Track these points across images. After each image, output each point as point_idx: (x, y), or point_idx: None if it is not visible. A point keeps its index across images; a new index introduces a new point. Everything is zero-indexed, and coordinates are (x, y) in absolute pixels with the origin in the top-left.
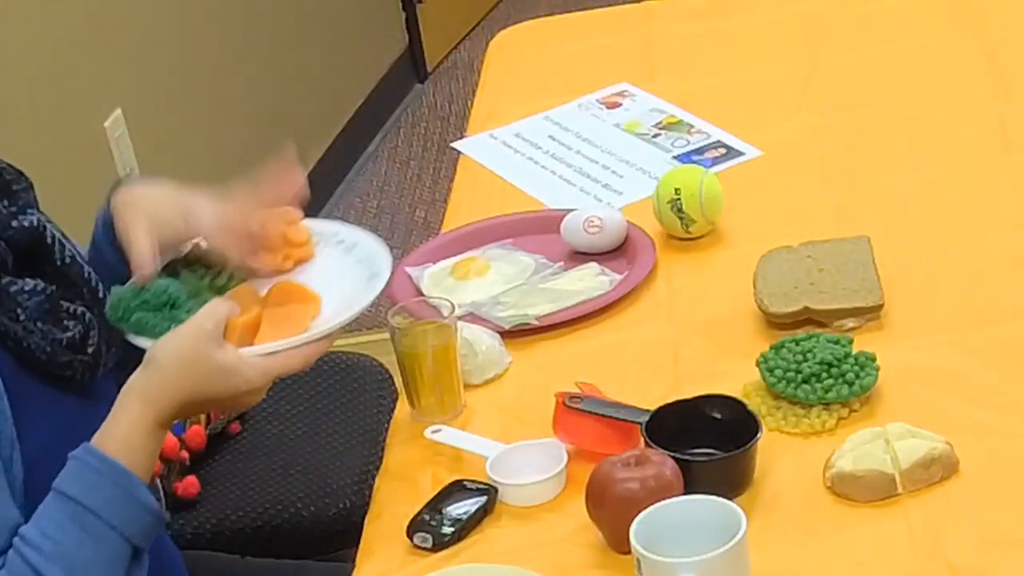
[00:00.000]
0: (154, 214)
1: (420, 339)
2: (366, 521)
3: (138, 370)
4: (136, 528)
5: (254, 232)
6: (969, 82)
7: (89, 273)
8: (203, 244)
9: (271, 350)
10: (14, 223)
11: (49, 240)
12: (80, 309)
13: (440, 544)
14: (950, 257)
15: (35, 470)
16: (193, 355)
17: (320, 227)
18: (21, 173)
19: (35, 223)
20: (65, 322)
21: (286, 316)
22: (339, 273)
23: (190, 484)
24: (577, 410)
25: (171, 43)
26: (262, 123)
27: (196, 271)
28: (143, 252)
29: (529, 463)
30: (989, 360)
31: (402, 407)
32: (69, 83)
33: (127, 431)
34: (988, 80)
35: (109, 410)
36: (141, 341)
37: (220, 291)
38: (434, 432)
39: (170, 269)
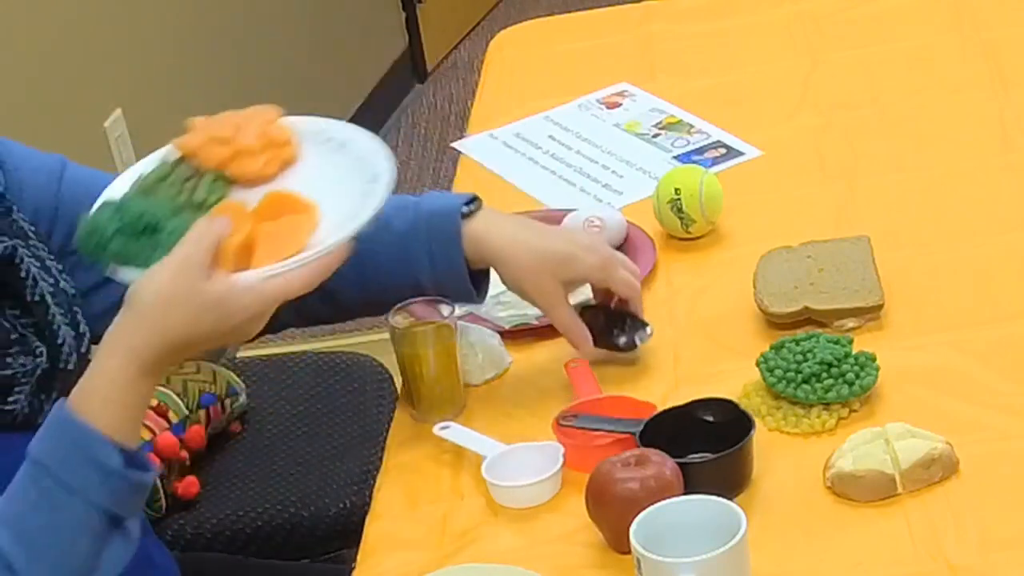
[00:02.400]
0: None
1: (420, 339)
2: (366, 521)
3: (119, 314)
4: (103, 494)
5: (227, 136)
6: (969, 82)
7: (53, 316)
8: (171, 157)
9: (270, 274)
10: None
11: (23, 274)
12: (40, 348)
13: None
14: (950, 257)
15: None
16: (178, 292)
17: (304, 125)
18: (3, 196)
19: (2, 251)
20: (10, 359)
21: (282, 231)
22: (334, 176)
23: (190, 484)
24: (571, 428)
25: (171, 43)
26: None
27: (173, 186)
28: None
29: (525, 465)
30: (989, 360)
31: (402, 407)
32: (69, 83)
33: (102, 384)
34: (988, 80)
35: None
36: (125, 273)
37: (200, 207)
38: (442, 428)
39: (140, 188)
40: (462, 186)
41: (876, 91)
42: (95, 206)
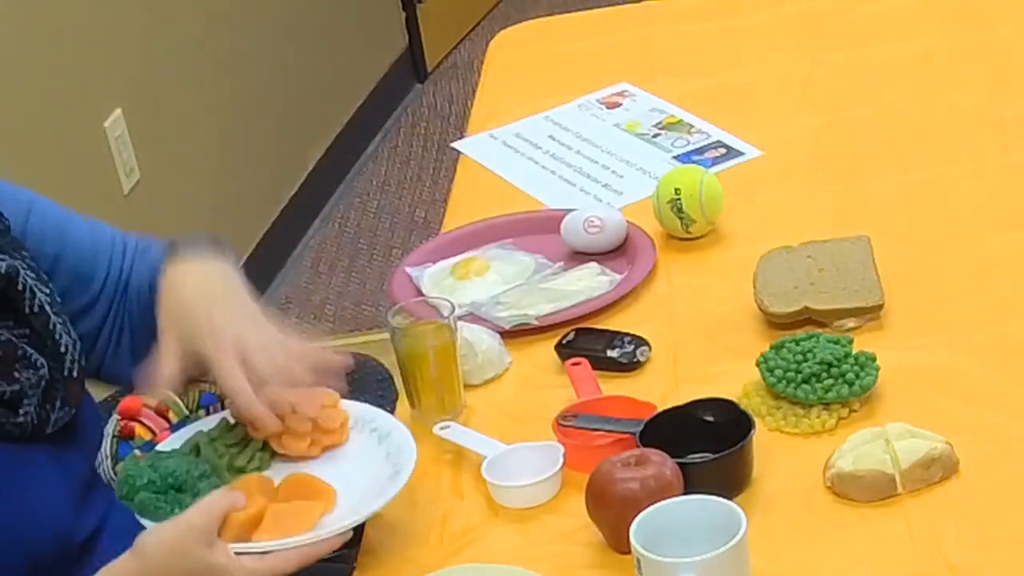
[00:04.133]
0: (188, 330)
1: (420, 339)
2: (366, 522)
3: (124, 555)
4: None
5: (282, 415)
6: (969, 82)
7: (54, 325)
8: (231, 420)
9: (262, 549)
10: None
11: (20, 287)
12: (40, 360)
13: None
14: (950, 257)
15: None
16: (180, 550)
17: (357, 411)
18: (1, 215)
19: (2, 269)
20: (16, 373)
21: (290, 513)
22: (365, 465)
23: None
24: (571, 428)
25: (171, 43)
26: (262, 123)
27: (218, 449)
28: (162, 370)
29: (525, 465)
30: (989, 360)
31: (402, 407)
32: (69, 83)
33: None
34: (988, 80)
35: (46, 462)
36: (144, 522)
37: (239, 472)
38: (442, 428)
39: (192, 444)
40: (462, 186)
41: (876, 91)
42: (137, 456)
